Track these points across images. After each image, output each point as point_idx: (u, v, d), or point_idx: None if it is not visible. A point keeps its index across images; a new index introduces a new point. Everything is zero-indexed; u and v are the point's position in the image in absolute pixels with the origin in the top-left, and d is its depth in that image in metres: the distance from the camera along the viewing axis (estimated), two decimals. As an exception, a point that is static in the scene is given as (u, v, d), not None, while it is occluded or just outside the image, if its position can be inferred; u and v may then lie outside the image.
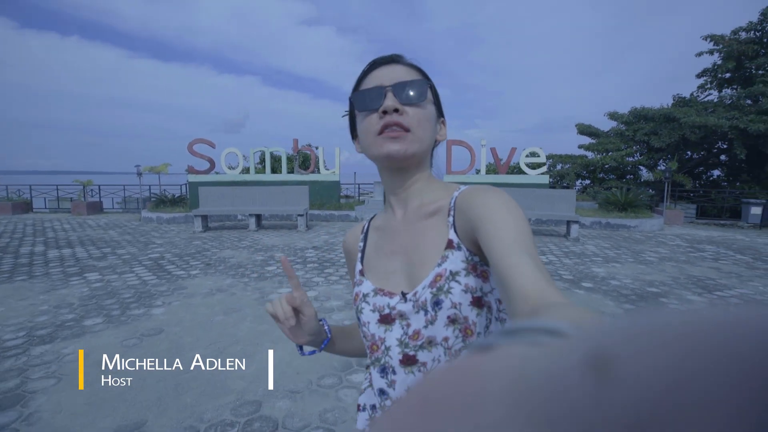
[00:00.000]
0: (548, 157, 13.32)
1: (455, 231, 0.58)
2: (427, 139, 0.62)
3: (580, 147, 15.22)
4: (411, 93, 0.60)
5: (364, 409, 0.67)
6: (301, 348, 0.73)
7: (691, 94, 12.89)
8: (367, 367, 0.66)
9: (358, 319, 0.65)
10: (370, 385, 0.65)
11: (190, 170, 10.38)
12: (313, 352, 0.76)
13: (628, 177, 13.99)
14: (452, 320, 0.56)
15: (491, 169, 11.16)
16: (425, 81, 0.62)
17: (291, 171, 12.06)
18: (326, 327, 0.74)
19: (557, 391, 0.08)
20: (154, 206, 10.42)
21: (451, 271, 0.56)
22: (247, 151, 10.80)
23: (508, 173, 10.55)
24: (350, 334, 0.79)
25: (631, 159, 13.06)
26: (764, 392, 0.06)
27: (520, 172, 12.27)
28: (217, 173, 11.13)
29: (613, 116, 14.71)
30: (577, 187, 13.69)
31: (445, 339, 0.56)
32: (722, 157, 12.64)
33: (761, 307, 0.08)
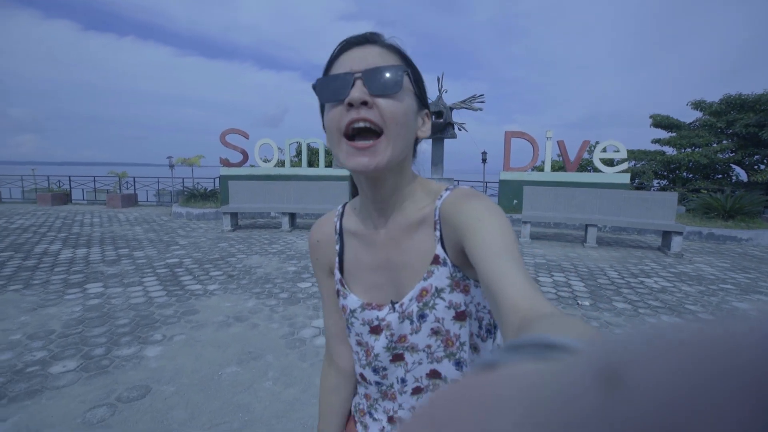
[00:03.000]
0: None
1: (443, 245, 0.57)
2: (404, 139, 0.53)
3: (654, 141, 13.23)
4: (385, 81, 0.50)
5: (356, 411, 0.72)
6: None
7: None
8: (358, 372, 0.70)
9: (349, 329, 0.66)
10: (365, 380, 0.68)
11: (223, 162, 9.69)
12: None
13: (716, 177, 11.90)
14: (435, 332, 0.58)
15: (558, 166, 9.65)
16: (401, 67, 0.52)
17: (329, 165, 11.14)
18: None
19: (567, 404, 0.08)
20: (185, 201, 9.84)
21: (436, 288, 0.57)
22: (283, 143, 9.97)
23: (578, 170, 9.02)
24: (339, 411, 0.75)
25: (722, 156, 11.00)
26: None
27: (592, 168, 10.62)
28: (252, 166, 10.41)
29: (698, 105, 12.60)
30: (654, 188, 11.80)
31: (428, 346, 0.59)
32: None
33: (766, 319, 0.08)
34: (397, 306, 0.60)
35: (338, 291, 0.67)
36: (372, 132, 0.52)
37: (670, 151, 12.52)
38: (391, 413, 0.67)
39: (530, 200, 7.24)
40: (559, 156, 11.14)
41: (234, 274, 4.49)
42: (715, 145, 11.11)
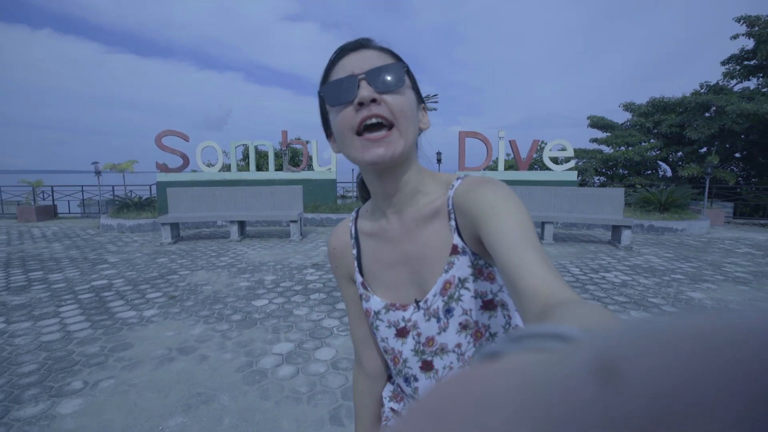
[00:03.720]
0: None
1: (459, 234, 0.56)
2: (412, 130, 0.56)
3: (592, 141, 14.14)
4: (388, 79, 0.53)
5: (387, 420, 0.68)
6: None
7: (717, 82, 11.89)
8: (389, 378, 0.69)
9: (374, 334, 0.65)
10: (397, 393, 0.67)
11: (160, 168, 8.75)
12: None
13: (646, 173, 12.95)
14: (464, 326, 0.56)
15: (510, 165, 9.89)
16: (401, 64, 0.55)
17: (279, 168, 10.55)
18: None
19: (563, 396, 0.08)
20: (116, 211, 8.75)
21: (459, 278, 0.55)
22: (228, 146, 9.23)
23: (528, 169, 9.29)
24: (371, 416, 0.73)
25: (651, 153, 11.98)
26: None
27: (540, 167, 11.04)
28: (194, 171, 9.54)
29: (628, 107, 13.65)
30: (595, 185, 12.57)
31: (458, 345, 0.56)
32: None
33: (765, 311, 0.08)
34: (421, 304, 0.58)
35: (361, 295, 0.66)
36: (382, 127, 0.54)
37: (606, 149, 13.43)
38: None
39: (489, 199, 7.28)
40: (508, 155, 11.48)
41: (176, 295, 3.90)
42: (644, 143, 12.06)
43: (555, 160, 9.27)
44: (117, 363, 2.54)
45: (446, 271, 0.56)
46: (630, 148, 11.86)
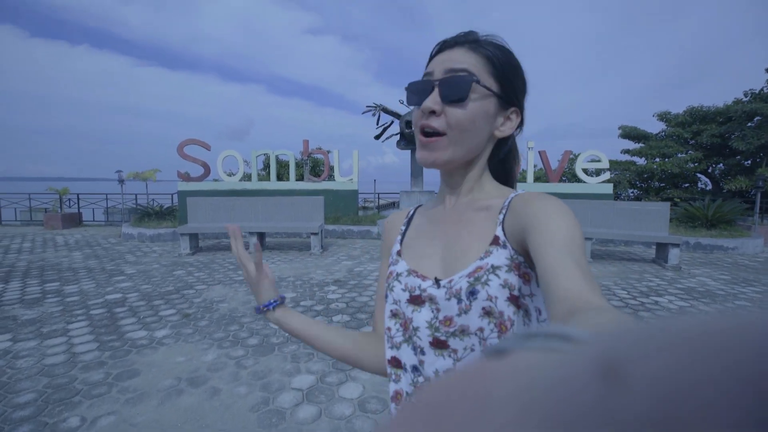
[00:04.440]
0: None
1: (503, 229, 0.56)
2: (471, 141, 0.57)
3: (624, 152, 13.47)
4: (452, 91, 0.55)
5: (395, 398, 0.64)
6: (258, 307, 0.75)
7: (761, 90, 11.14)
8: (392, 347, 0.65)
9: (387, 296, 0.64)
10: (401, 366, 0.62)
11: (181, 177, 8.71)
12: (258, 309, 0.74)
13: (683, 186, 12.19)
14: (487, 312, 0.53)
15: (540, 176, 9.44)
16: (468, 76, 0.55)
17: (300, 178, 10.41)
18: (273, 301, 0.74)
19: (566, 396, 0.08)
20: (137, 220, 8.74)
21: (492, 265, 0.54)
22: (249, 155, 9.14)
23: (560, 181, 8.82)
24: (318, 334, 0.72)
25: (690, 165, 11.26)
26: None
27: (567, 179, 10.52)
28: (216, 180, 9.48)
29: (663, 117, 12.97)
30: (630, 198, 11.90)
31: (480, 329, 0.54)
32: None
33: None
34: (443, 282, 0.57)
35: (391, 261, 0.67)
36: (440, 133, 0.57)
37: (638, 161, 12.76)
38: None
39: (519, 213, 6.85)
40: (534, 166, 11.01)
41: (190, 313, 3.66)
42: (681, 155, 11.37)
43: (585, 172, 8.77)
44: (120, 395, 2.27)
45: (481, 258, 0.56)
46: (667, 160, 11.18)
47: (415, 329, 0.59)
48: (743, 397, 0.06)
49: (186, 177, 8.77)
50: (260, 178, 10.67)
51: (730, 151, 11.09)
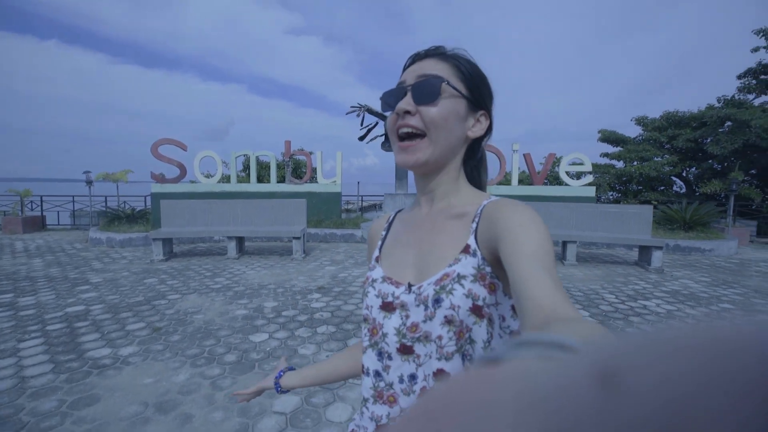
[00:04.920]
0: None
1: (475, 237, 0.58)
2: (446, 139, 0.60)
3: (603, 155, 13.74)
4: (424, 92, 0.58)
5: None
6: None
7: (732, 96, 11.55)
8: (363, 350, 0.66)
9: (363, 301, 0.66)
10: (364, 370, 0.64)
11: (155, 178, 8.28)
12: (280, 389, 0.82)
13: (659, 188, 12.51)
14: (448, 321, 0.55)
15: (523, 179, 9.46)
16: (439, 78, 0.58)
17: (281, 180, 10.11)
18: (278, 376, 0.83)
19: (565, 403, 0.08)
20: (106, 224, 8.25)
21: (459, 274, 0.56)
22: (228, 156, 8.79)
23: (544, 183, 8.85)
24: (324, 369, 0.79)
25: (666, 169, 11.56)
26: None
27: (552, 181, 10.60)
28: (192, 182, 9.08)
29: (640, 121, 13.32)
30: (609, 200, 12.12)
31: (439, 337, 0.56)
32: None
33: (766, 320, 0.08)
34: (414, 288, 0.59)
35: (370, 267, 0.69)
36: (414, 136, 0.60)
37: (617, 164, 13.03)
38: (383, 420, 0.61)
39: (505, 216, 6.80)
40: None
41: (161, 326, 3.38)
42: (658, 158, 11.65)
43: (567, 175, 8.83)
44: (75, 426, 2.00)
45: (450, 265, 0.57)
46: (645, 163, 11.44)
47: (384, 335, 0.60)
48: (742, 404, 0.06)
49: (160, 178, 8.35)
50: (240, 180, 10.31)
51: (703, 155, 11.44)
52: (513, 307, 0.56)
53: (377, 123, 9.14)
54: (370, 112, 9.00)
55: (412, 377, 0.58)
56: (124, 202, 9.78)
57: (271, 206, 7.04)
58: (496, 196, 0.63)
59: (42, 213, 9.96)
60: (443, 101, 0.58)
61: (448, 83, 0.59)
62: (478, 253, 0.56)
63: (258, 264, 5.94)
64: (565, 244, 6.28)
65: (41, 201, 10.07)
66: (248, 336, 3.19)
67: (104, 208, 9.31)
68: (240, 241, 6.65)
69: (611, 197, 12.25)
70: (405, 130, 0.59)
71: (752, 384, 0.07)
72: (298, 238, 6.38)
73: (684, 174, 12.50)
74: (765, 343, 0.07)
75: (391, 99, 0.61)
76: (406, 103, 0.58)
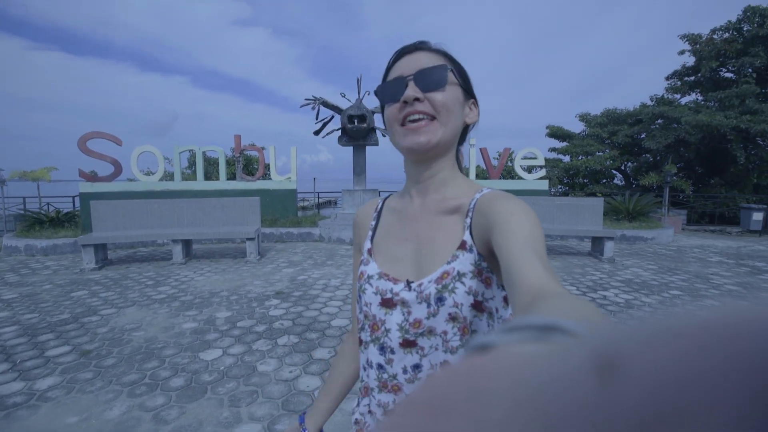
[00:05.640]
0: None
1: (470, 233, 0.59)
2: (453, 123, 0.61)
3: (551, 150, 14.41)
4: (432, 79, 0.59)
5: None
6: None
7: (662, 96, 12.56)
8: (361, 342, 0.67)
9: (360, 297, 0.66)
10: (367, 362, 0.66)
11: (84, 176, 7.37)
12: None
13: (602, 181, 13.35)
14: (452, 318, 0.57)
15: (481, 174, 9.60)
16: (445, 65, 0.60)
17: (232, 177, 9.47)
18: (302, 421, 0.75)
19: (561, 390, 0.08)
20: (24, 229, 7.22)
21: (458, 272, 0.57)
22: (170, 152, 8.03)
23: (502, 177, 9.03)
24: (345, 386, 0.78)
25: (609, 163, 12.34)
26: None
27: (505, 176, 10.88)
28: (130, 180, 8.20)
29: (584, 118, 14.10)
30: (559, 193, 12.70)
31: (444, 332, 0.58)
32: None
33: (764, 307, 0.08)
34: (414, 285, 0.60)
35: (363, 260, 0.68)
36: (425, 118, 0.60)
37: (564, 158, 13.71)
38: (390, 407, 0.63)
39: (466, 211, 6.81)
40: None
41: (91, 350, 2.90)
42: (600, 153, 12.40)
43: (529, 169, 9.07)
44: (-30, 492, 1.58)
45: (448, 263, 0.58)
46: (589, 157, 12.12)
47: (387, 331, 0.62)
48: (739, 391, 0.06)
49: (91, 177, 7.46)
50: (185, 178, 9.52)
51: (639, 149, 12.34)
52: (505, 298, 0.58)
53: (333, 117, 8.80)
54: (326, 105, 8.65)
55: (416, 367, 0.60)
56: (47, 203, 8.65)
57: (222, 205, 6.51)
58: (488, 188, 0.63)
59: (-58, 218, 8.54)
60: (449, 88, 0.60)
61: (452, 71, 0.61)
62: (474, 248, 0.57)
63: (208, 269, 5.44)
64: (524, 237, 6.41)
65: (-60, 204, 8.63)
66: (198, 354, 2.82)
67: (22, 211, 8.16)
68: (187, 244, 6.07)
69: (560, 190, 12.88)
70: (415, 116, 0.59)
71: (751, 371, 0.07)
72: (252, 239, 5.94)
73: (623, 167, 13.42)
74: (764, 329, 0.07)
75: (390, 92, 0.62)
76: (414, 90, 0.59)
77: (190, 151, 8.13)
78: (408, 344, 0.60)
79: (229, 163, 11.02)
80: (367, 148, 8.97)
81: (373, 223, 0.71)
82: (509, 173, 11.67)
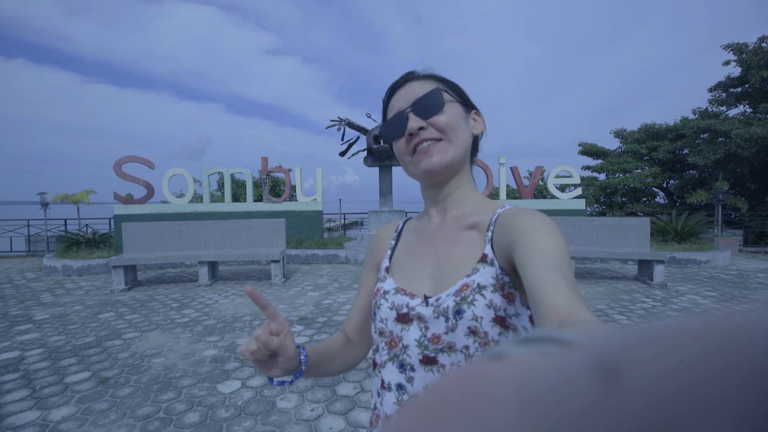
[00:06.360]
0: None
1: (492, 246, 0.57)
2: (462, 139, 0.61)
3: (584, 168, 13.82)
4: (429, 105, 0.60)
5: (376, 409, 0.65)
6: (271, 378, 0.60)
7: (706, 109, 11.84)
8: (375, 365, 0.65)
9: (375, 314, 0.65)
10: (381, 386, 0.63)
11: (119, 199, 7.61)
12: (283, 383, 0.62)
13: (642, 200, 12.58)
14: (472, 332, 0.55)
15: (511, 193, 9.24)
16: (437, 89, 0.61)
17: (259, 199, 9.56)
18: (303, 356, 0.61)
19: (564, 397, 0.08)
20: (63, 250, 7.49)
21: (479, 284, 0.55)
22: (200, 174, 8.21)
23: (534, 197, 8.63)
24: (330, 355, 0.71)
25: (648, 180, 11.63)
26: None
27: (537, 195, 10.45)
28: (164, 202, 8.41)
29: (619, 134, 13.49)
30: (595, 213, 12.06)
31: (466, 347, 0.55)
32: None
33: (765, 313, 0.08)
34: (431, 300, 0.59)
35: (380, 278, 0.68)
36: (433, 141, 0.61)
37: (599, 177, 13.08)
38: None
39: (498, 232, 6.46)
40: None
41: (109, 377, 2.79)
42: (639, 171, 11.73)
43: (563, 188, 8.66)
44: None
45: (468, 275, 0.56)
46: (627, 175, 11.48)
47: (405, 347, 0.60)
48: (741, 397, 0.06)
49: (125, 199, 7.69)
50: (214, 200, 9.70)
51: (682, 165, 11.59)
52: (531, 317, 0.56)
53: (358, 137, 8.80)
54: (351, 125, 8.67)
55: None
56: (86, 225, 9.00)
57: (248, 227, 6.49)
58: (510, 204, 0.63)
59: (-8, 239, 9.05)
60: (448, 107, 0.61)
61: (446, 91, 0.62)
62: (496, 262, 0.56)
63: (233, 291, 5.35)
64: (562, 259, 5.98)
65: (-8, 226, 9.16)
66: (216, 385, 2.65)
67: (63, 232, 8.51)
68: (213, 266, 6.06)
69: (596, 209, 12.23)
70: (425, 144, 0.60)
71: (753, 378, 0.07)
72: (277, 261, 5.85)
73: (665, 185, 12.64)
74: (765, 334, 0.07)
75: (393, 129, 0.63)
76: (416, 121, 0.60)
77: (218, 173, 8.29)
78: (428, 361, 0.58)
79: (257, 185, 11.20)
80: (394, 168, 8.87)
81: (393, 242, 0.71)
82: (540, 193, 11.23)
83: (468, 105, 0.65)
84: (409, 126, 0.60)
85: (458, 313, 0.55)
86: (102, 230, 8.85)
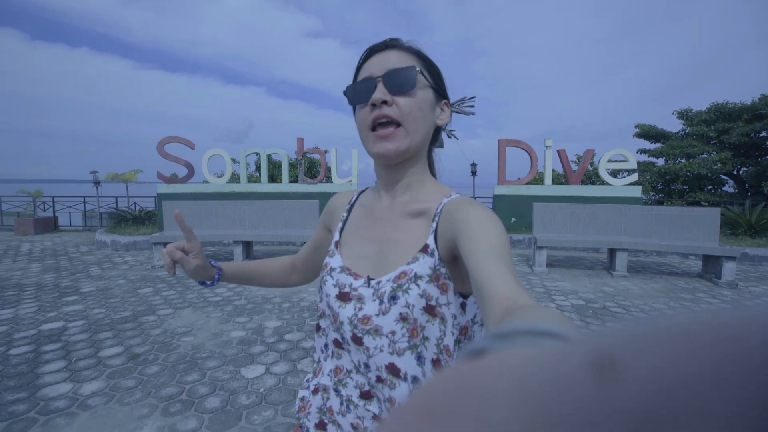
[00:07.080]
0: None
1: (435, 237, 0.59)
2: (421, 129, 0.61)
3: (641, 152, 12.67)
4: (401, 82, 0.59)
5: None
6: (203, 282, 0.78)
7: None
8: (319, 328, 0.70)
9: (320, 287, 0.68)
10: (325, 346, 0.69)
11: (162, 178, 7.88)
12: (204, 284, 0.80)
13: (707, 188, 11.37)
14: (403, 318, 0.57)
15: (557, 178, 8.62)
16: (413, 67, 0.60)
17: (294, 180, 9.58)
18: (217, 274, 0.79)
19: (561, 391, 0.08)
20: (113, 226, 7.91)
21: (416, 274, 0.58)
22: (238, 154, 8.30)
23: (582, 183, 7.98)
24: (259, 274, 0.84)
25: (717, 166, 10.44)
26: (765, 390, 0.06)
27: (586, 181, 9.69)
28: (206, 182, 8.65)
29: (683, 115, 12.18)
30: (651, 202, 11.08)
31: (392, 332, 0.58)
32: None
33: (762, 307, 0.08)
34: (373, 282, 0.61)
35: (329, 251, 0.71)
36: (391, 124, 0.60)
37: (657, 161, 11.95)
38: (366, 388, 0.63)
39: (542, 219, 6.01)
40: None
41: (140, 353, 2.82)
42: (706, 155, 10.56)
43: (615, 173, 7.93)
44: None
45: (408, 264, 0.59)
46: (691, 160, 10.36)
47: (341, 323, 0.63)
48: (737, 391, 0.06)
49: (169, 179, 7.95)
50: (251, 180, 9.84)
51: (760, 150, 10.29)
52: (462, 305, 0.59)
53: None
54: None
55: (366, 365, 0.61)
56: (134, 203, 9.46)
57: (282, 208, 6.48)
58: (457, 193, 0.64)
59: (54, 214, 9.76)
60: (418, 91, 0.60)
61: (422, 73, 0.61)
62: (436, 253, 0.58)
63: (265, 272, 5.37)
64: (612, 251, 5.46)
65: (53, 202, 9.87)
66: (240, 369, 2.59)
67: (113, 209, 9.00)
68: (247, 245, 6.12)
69: (653, 198, 11.20)
70: (383, 120, 0.59)
71: (749, 372, 0.07)
72: (309, 243, 5.80)
73: (736, 172, 11.32)
74: (761, 329, 0.07)
75: (359, 93, 0.62)
76: (382, 92, 0.59)
77: (255, 154, 8.34)
78: (356, 340, 0.61)
79: (293, 165, 11.26)
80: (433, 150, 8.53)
81: (345, 215, 0.73)
82: (590, 178, 10.43)
83: (441, 93, 0.64)
84: (374, 96, 0.59)
85: (393, 298, 0.58)
86: (149, 208, 9.27)
